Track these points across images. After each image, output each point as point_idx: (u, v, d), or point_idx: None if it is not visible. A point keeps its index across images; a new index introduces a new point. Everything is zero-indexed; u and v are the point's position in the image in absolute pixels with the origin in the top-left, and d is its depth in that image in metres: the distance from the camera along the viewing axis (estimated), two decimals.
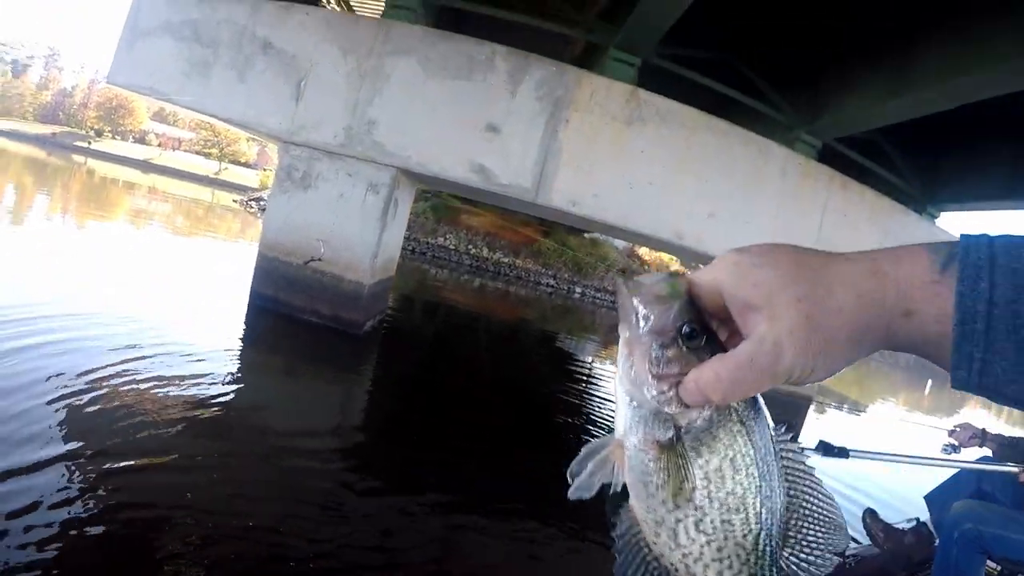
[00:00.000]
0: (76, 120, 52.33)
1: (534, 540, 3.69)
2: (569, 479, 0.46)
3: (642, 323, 0.43)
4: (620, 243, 26.35)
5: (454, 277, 18.63)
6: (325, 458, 4.20)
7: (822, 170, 7.70)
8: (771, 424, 0.45)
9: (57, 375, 4.10)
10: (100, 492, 3.02)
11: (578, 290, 23.09)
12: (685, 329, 0.42)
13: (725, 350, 0.43)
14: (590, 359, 11.71)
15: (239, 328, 6.52)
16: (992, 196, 8.68)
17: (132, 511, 2.97)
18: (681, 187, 6.88)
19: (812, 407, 9.26)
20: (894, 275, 0.40)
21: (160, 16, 6.71)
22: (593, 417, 6.96)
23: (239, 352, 5.92)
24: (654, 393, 0.43)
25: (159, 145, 53.96)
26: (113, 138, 51.65)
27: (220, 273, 10.22)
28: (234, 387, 4.91)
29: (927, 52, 6.10)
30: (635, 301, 0.44)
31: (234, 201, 27.94)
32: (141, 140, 54.03)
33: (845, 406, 13.45)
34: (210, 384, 4.73)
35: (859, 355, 0.41)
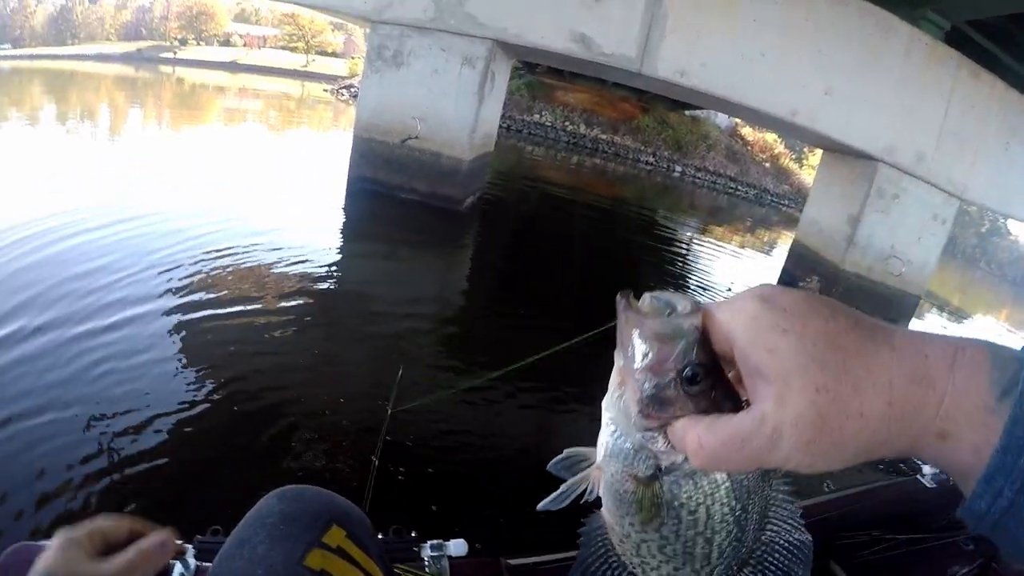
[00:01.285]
0: (159, 33, 53.09)
1: None
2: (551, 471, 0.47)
3: (639, 359, 0.39)
4: (723, 121, 25.08)
5: (550, 154, 18.35)
6: (425, 330, 4.29)
7: (950, 54, 6.81)
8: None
9: (158, 252, 4.31)
10: (198, 341, 3.30)
11: (678, 168, 22.44)
12: (687, 372, 0.38)
13: (731, 392, 0.39)
14: (688, 235, 11.54)
15: (339, 211, 6.74)
16: None
17: (231, 368, 3.13)
18: (796, 59, 6.26)
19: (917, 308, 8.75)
20: (942, 388, 0.33)
21: None
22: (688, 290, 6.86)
23: (340, 232, 6.14)
24: (641, 430, 0.40)
25: (244, 45, 54.63)
26: (198, 45, 52.66)
27: (316, 161, 10.51)
28: (336, 263, 5.11)
29: None
30: (636, 334, 0.40)
31: (325, 91, 28.18)
32: (226, 43, 54.66)
33: (946, 311, 12.74)
34: (312, 262, 4.89)
35: (864, 461, 0.35)
